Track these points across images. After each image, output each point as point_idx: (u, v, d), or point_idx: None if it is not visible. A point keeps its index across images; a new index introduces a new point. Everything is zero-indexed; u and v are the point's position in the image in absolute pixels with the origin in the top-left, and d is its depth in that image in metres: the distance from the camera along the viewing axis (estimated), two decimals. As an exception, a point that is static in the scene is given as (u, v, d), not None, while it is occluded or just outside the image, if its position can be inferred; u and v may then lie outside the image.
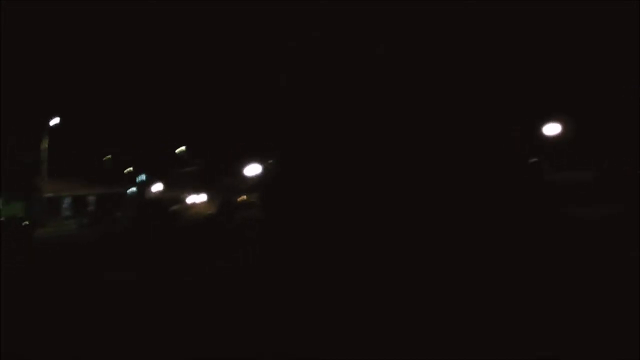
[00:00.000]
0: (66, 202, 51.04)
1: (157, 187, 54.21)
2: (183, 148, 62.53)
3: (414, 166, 19.49)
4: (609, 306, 9.21)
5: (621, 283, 10.50)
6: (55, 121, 47.59)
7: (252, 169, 39.73)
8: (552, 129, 33.11)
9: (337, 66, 20.13)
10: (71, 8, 43.94)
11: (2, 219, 39.67)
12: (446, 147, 20.25)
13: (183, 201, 45.92)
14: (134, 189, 55.91)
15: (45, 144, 46.52)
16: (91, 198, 53.62)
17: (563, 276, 11.66)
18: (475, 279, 11.86)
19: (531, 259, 13.39)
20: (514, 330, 8.48)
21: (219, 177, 48.26)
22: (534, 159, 31.40)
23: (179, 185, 52.27)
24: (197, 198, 46.79)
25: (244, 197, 36.28)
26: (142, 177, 56.67)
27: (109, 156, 58.33)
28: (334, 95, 20.09)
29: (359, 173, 19.12)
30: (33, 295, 14.51)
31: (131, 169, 58.02)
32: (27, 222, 37.59)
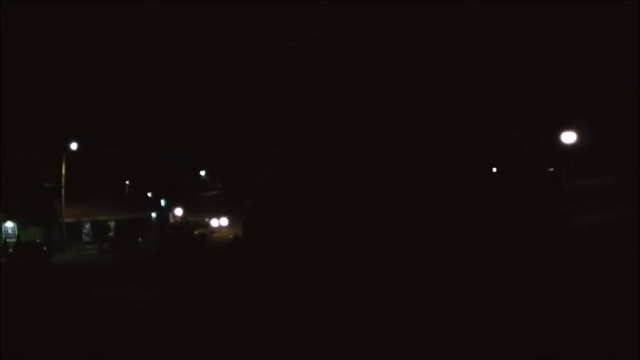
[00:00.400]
0: (86, 227, 50.32)
1: (178, 211, 53.74)
2: (203, 172, 62.11)
3: (417, 169, 19.59)
4: (609, 306, 9.29)
5: (622, 283, 10.70)
6: (74, 146, 46.88)
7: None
8: (568, 137, 32.25)
9: (337, 66, 19.96)
10: (92, 32, 43.62)
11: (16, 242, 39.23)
12: (447, 149, 20.32)
13: (206, 225, 45.63)
14: (154, 214, 55.35)
15: (64, 169, 45.84)
16: (112, 223, 52.89)
17: (565, 276, 11.96)
18: (477, 280, 12.15)
19: (534, 261, 13.69)
20: (514, 330, 8.55)
21: (240, 199, 48.00)
22: (552, 168, 32.46)
23: (200, 209, 51.98)
24: (219, 221, 47.12)
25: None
26: (163, 202, 56.22)
27: (128, 182, 58.03)
28: (334, 95, 19.89)
29: (361, 176, 19.02)
30: (52, 318, 14.11)
31: (150, 194, 57.60)
32: (45, 248, 36.92)
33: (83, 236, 49.49)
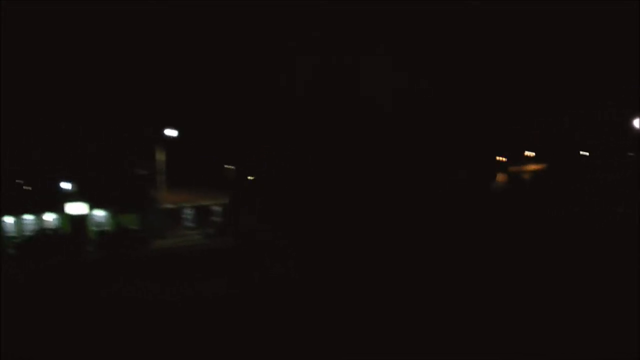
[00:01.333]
0: (187, 213, 49.91)
1: None
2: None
3: (421, 167, 19.23)
4: (609, 306, 9.36)
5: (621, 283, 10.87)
6: (171, 132, 46.35)
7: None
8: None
9: (337, 66, 19.56)
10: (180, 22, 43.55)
11: (112, 230, 39.24)
12: (450, 147, 19.82)
13: None
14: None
15: (161, 156, 45.51)
16: (216, 208, 52.31)
17: (564, 276, 12.11)
18: (478, 280, 12.38)
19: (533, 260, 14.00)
20: (514, 331, 8.57)
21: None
22: (631, 154, 32.79)
23: None
24: None
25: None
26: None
27: (231, 166, 57.81)
28: (334, 95, 19.60)
29: (364, 175, 18.61)
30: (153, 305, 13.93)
31: (252, 177, 57.15)
32: (142, 234, 36.48)
33: (184, 221, 49.17)
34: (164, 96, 47.41)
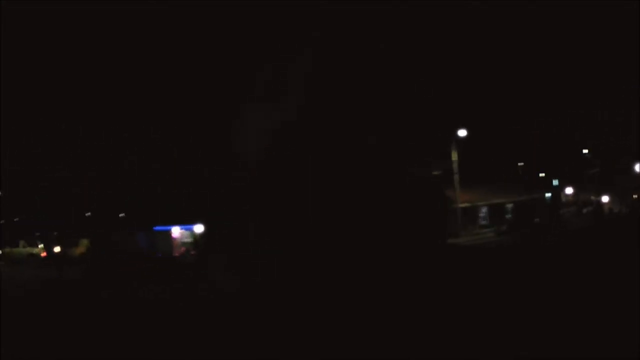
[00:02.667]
0: (482, 211, 52.24)
1: (569, 190, 53.50)
2: (586, 150, 60.13)
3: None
4: (609, 306, 9.13)
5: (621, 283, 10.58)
6: (463, 132, 48.57)
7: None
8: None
9: (337, 66, 19.34)
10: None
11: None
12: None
13: (590, 203, 47.79)
14: (549, 194, 55.24)
15: (455, 156, 48.05)
16: (509, 206, 53.96)
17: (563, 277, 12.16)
18: (476, 279, 12.76)
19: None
20: (513, 331, 8.42)
21: (616, 176, 51.98)
22: None
23: (588, 187, 52.28)
24: (601, 199, 49.82)
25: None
26: (555, 181, 55.86)
27: (522, 163, 58.69)
28: (334, 94, 19.31)
29: (365, 175, 18.79)
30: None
31: (543, 174, 57.55)
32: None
33: (479, 220, 51.53)
34: (456, 98, 49.72)
